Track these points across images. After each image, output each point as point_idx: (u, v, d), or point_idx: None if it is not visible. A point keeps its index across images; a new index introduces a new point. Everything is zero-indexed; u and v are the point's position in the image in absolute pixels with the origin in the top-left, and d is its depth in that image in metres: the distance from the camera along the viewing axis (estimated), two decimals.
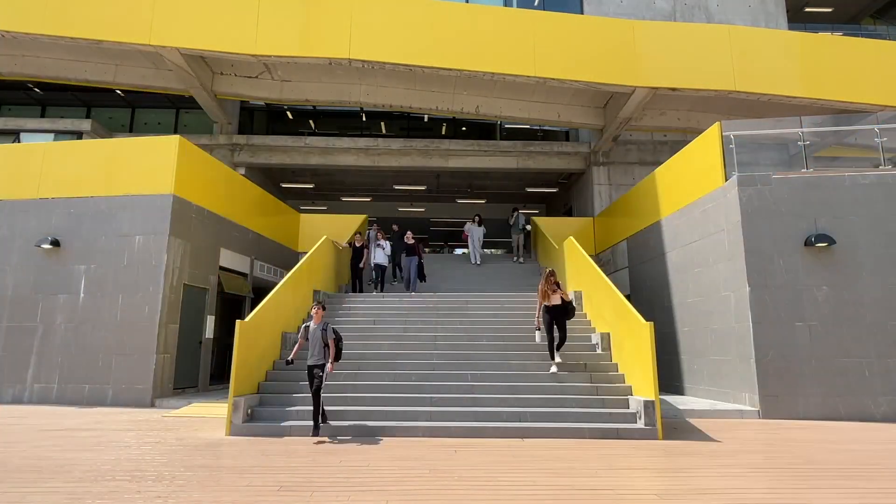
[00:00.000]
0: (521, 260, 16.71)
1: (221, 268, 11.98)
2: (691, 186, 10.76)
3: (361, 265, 13.37)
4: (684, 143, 12.22)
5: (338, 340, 6.99)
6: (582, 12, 18.12)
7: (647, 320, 7.48)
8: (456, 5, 14.89)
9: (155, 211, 10.14)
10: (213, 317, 11.70)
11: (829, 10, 21.85)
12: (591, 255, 12.73)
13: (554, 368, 8.47)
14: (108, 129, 18.12)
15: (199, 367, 11.15)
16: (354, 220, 16.84)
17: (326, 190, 22.84)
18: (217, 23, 14.09)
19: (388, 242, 13.87)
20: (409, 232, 13.91)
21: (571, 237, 12.60)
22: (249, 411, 7.26)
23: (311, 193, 23.21)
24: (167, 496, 4.18)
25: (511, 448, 6.09)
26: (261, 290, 12.61)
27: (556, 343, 8.75)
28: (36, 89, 19.00)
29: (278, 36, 14.11)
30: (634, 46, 14.33)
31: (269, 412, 7.35)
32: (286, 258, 15.38)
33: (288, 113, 20.74)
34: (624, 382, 8.14)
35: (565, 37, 14.42)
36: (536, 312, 9.14)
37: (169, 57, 14.39)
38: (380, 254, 13.47)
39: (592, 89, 14.83)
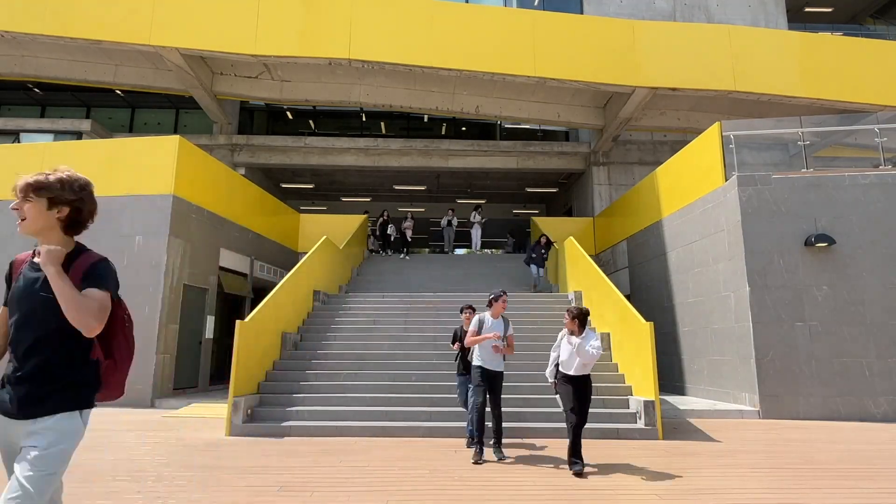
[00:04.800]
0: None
1: (221, 268, 11.98)
2: (691, 186, 10.76)
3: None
4: (684, 143, 12.22)
5: None
6: (582, 12, 18.12)
7: (647, 320, 7.48)
8: (456, 5, 14.89)
9: (155, 211, 10.14)
10: (213, 317, 11.70)
11: (829, 10, 21.85)
12: (591, 256, 12.73)
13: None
14: (108, 129, 18.11)
15: (199, 367, 11.15)
16: (354, 220, 16.84)
17: (326, 190, 22.84)
18: (217, 23, 14.09)
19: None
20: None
21: (571, 237, 12.60)
22: (249, 411, 7.26)
23: (311, 193, 23.20)
24: (167, 496, 4.18)
25: (511, 448, 6.08)
26: (261, 290, 12.62)
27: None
28: (36, 89, 19.00)
29: (278, 36, 14.11)
30: (634, 46, 14.33)
31: (269, 412, 7.35)
32: (286, 258, 15.38)
33: (288, 113, 20.74)
34: (624, 382, 8.14)
35: (565, 37, 14.42)
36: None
37: (169, 57, 14.38)
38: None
39: (592, 89, 14.83)
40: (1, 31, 14.14)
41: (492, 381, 5.71)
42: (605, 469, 5.15)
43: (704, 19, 18.01)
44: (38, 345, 1.90)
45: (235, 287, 12.60)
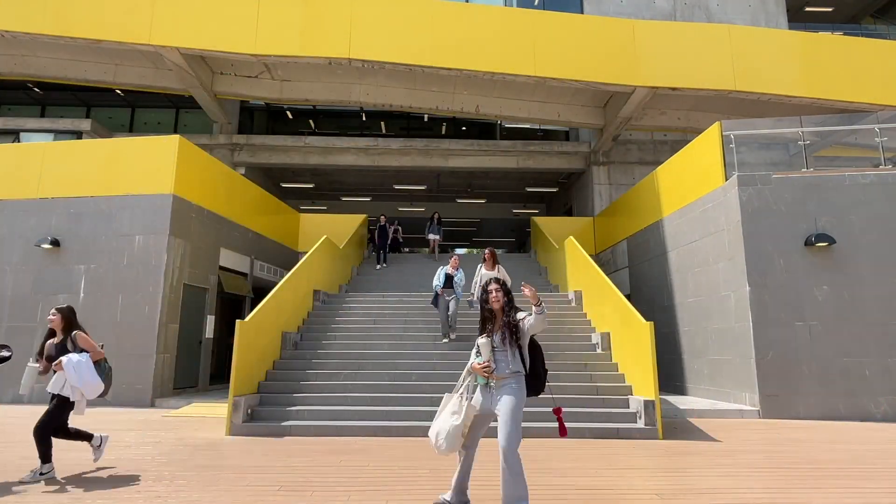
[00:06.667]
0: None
1: (221, 268, 11.98)
2: (691, 186, 10.76)
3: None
4: (684, 142, 12.21)
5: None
6: (582, 12, 18.11)
7: (647, 320, 7.47)
8: (456, 5, 14.88)
9: (155, 211, 10.14)
10: (213, 317, 11.70)
11: (830, 9, 21.84)
12: (591, 255, 12.72)
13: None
14: (108, 129, 18.11)
15: (199, 367, 11.15)
16: (354, 220, 16.84)
17: (326, 190, 22.84)
18: (217, 23, 14.08)
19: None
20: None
21: (571, 237, 12.60)
22: (249, 411, 7.26)
23: (311, 193, 23.20)
24: (167, 496, 4.18)
25: None
26: (261, 290, 12.61)
27: None
28: (36, 89, 19.00)
29: (278, 36, 14.10)
30: (634, 46, 14.33)
31: (269, 412, 7.35)
32: (286, 258, 15.37)
33: (288, 113, 20.74)
34: (624, 382, 8.14)
35: (565, 36, 14.42)
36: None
37: (169, 57, 14.38)
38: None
39: (592, 89, 14.83)
40: (1, 31, 14.13)
41: None
42: (606, 469, 5.15)
43: (704, 19, 18.01)
44: None
45: (235, 287, 12.60)
